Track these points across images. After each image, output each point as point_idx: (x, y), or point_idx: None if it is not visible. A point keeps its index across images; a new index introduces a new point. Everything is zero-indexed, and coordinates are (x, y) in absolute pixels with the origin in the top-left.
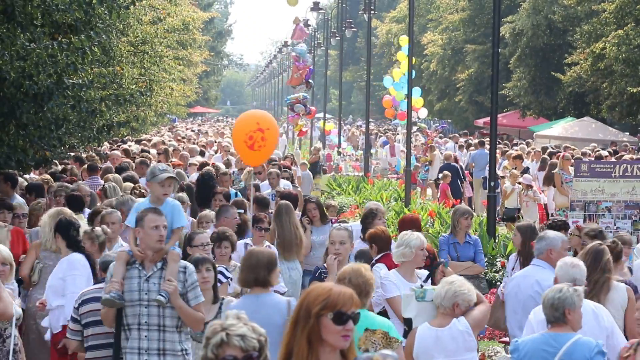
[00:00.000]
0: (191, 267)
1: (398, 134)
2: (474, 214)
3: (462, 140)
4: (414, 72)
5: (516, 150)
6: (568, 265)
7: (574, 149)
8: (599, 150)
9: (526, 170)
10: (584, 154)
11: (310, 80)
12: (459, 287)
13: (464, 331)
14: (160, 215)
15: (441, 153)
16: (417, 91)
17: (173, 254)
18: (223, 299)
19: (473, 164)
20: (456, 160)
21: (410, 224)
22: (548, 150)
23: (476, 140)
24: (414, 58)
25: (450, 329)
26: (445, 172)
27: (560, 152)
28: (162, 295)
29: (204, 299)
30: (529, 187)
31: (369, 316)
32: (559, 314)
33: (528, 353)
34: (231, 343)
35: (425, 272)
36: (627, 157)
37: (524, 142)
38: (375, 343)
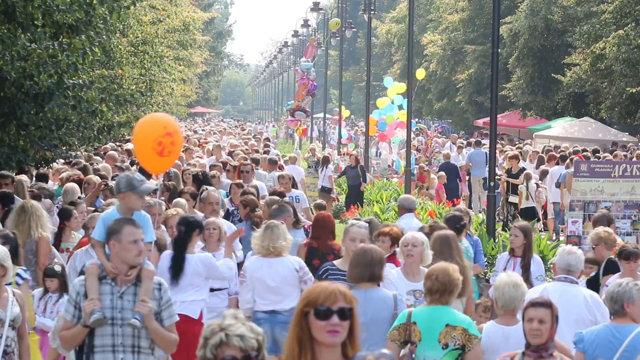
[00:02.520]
0: (166, 284)
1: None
2: (470, 214)
3: (460, 141)
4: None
5: (512, 149)
6: (565, 252)
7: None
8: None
9: (522, 171)
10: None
11: (314, 92)
12: (525, 289)
13: None
14: (138, 228)
15: (439, 161)
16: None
17: (147, 270)
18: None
19: (470, 164)
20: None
21: (322, 223)
22: (545, 148)
23: (473, 140)
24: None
25: (517, 328)
26: (441, 172)
27: (558, 151)
28: (137, 319)
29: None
30: (537, 185)
31: (451, 312)
32: (618, 307)
33: (593, 343)
34: (230, 343)
35: None
36: (621, 154)
37: (529, 143)
38: (455, 338)
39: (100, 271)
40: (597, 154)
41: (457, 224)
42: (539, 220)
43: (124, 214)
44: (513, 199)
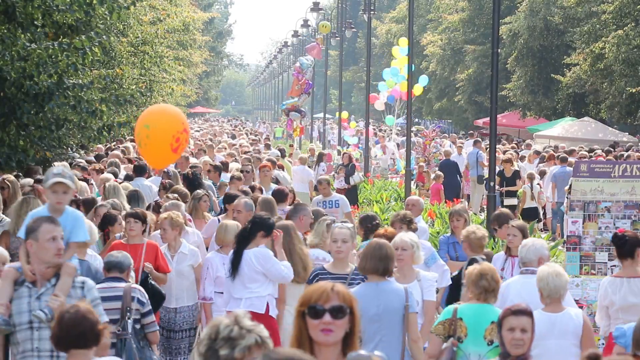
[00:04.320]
0: (90, 282)
1: (392, 132)
2: (466, 213)
3: (460, 141)
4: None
5: (509, 154)
6: (520, 247)
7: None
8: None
9: (516, 174)
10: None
11: (309, 91)
12: (567, 278)
13: (576, 320)
14: (57, 225)
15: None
16: (423, 79)
17: (68, 266)
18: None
19: (468, 163)
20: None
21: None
22: (545, 148)
23: (471, 140)
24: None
25: (563, 314)
26: (438, 172)
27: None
28: (44, 312)
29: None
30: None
31: (497, 311)
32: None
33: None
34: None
35: (434, 275)
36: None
37: (529, 143)
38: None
39: (18, 275)
40: (592, 153)
41: (369, 223)
42: (539, 220)
43: (52, 212)
44: (509, 201)
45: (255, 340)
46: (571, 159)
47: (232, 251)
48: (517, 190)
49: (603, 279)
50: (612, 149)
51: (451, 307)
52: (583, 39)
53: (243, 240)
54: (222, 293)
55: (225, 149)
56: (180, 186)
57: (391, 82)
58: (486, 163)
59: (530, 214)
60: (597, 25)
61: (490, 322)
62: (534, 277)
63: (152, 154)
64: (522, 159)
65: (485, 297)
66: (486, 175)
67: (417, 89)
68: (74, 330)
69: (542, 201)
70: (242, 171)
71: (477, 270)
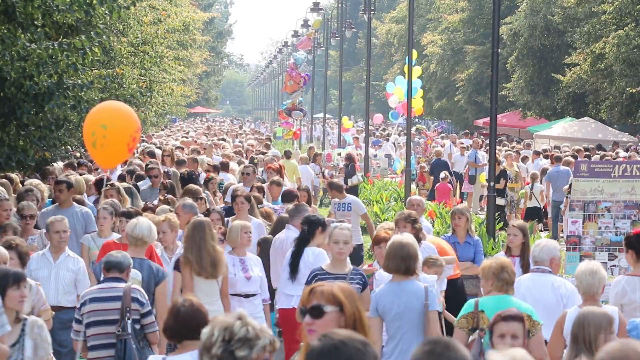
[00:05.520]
0: None
1: (391, 133)
2: (468, 212)
3: (460, 141)
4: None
5: (507, 153)
6: (533, 246)
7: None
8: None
9: (502, 174)
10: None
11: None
12: (603, 275)
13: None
14: None
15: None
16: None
17: None
18: (26, 318)
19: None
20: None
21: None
22: (543, 149)
23: (471, 142)
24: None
25: None
26: (445, 172)
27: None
28: None
29: (10, 328)
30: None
31: (516, 301)
32: None
33: None
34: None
35: (433, 277)
36: (623, 154)
37: (532, 143)
38: None
39: None
40: (587, 153)
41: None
42: (540, 221)
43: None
44: (499, 201)
45: (270, 340)
46: (569, 159)
47: (290, 250)
48: (502, 189)
49: (617, 277)
50: (599, 150)
51: (472, 300)
52: (583, 39)
53: (303, 242)
54: (234, 295)
55: (224, 148)
56: (194, 185)
57: (400, 92)
58: (478, 163)
59: (533, 214)
60: (597, 25)
61: None
62: (544, 275)
63: (108, 154)
64: (524, 159)
65: (506, 289)
66: (481, 175)
67: (417, 102)
68: (189, 323)
69: (543, 201)
70: (243, 173)
71: (497, 264)
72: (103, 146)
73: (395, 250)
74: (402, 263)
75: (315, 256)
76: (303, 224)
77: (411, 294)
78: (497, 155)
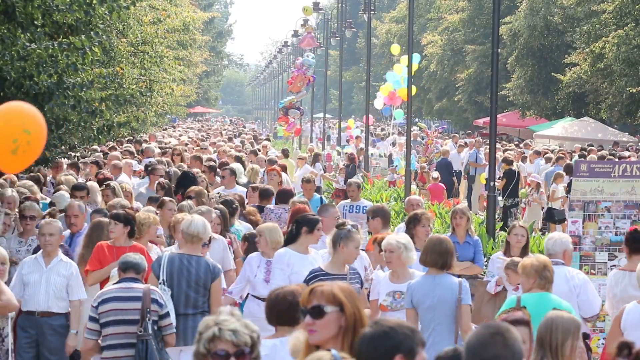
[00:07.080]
0: None
1: (390, 134)
2: (468, 212)
3: (461, 141)
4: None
5: (508, 153)
6: (545, 239)
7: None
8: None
9: (512, 173)
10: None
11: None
12: None
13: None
14: None
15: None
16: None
17: None
18: None
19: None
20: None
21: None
22: (543, 149)
23: (471, 140)
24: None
25: None
26: (436, 173)
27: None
28: None
29: None
30: (538, 185)
31: (556, 298)
32: None
33: None
34: (223, 337)
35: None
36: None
37: (532, 143)
38: None
39: None
40: (584, 152)
41: (229, 207)
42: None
43: None
44: (508, 202)
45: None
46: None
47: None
48: (515, 189)
49: (612, 271)
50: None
51: (514, 296)
52: (583, 38)
53: (289, 239)
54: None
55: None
56: (198, 186)
57: (388, 87)
58: (479, 163)
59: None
60: (597, 25)
61: (552, 308)
62: (558, 267)
63: (29, 161)
64: (524, 159)
65: (548, 287)
66: (482, 175)
67: (402, 92)
68: (280, 309)
69: (542, 201)
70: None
71: (540, 262)
72: (26, 152)
73: (433, 245)
74: (440, 258)
75: (298, 259)
76: (292, 223)
77: (445, 287)
78: (507, 156)
